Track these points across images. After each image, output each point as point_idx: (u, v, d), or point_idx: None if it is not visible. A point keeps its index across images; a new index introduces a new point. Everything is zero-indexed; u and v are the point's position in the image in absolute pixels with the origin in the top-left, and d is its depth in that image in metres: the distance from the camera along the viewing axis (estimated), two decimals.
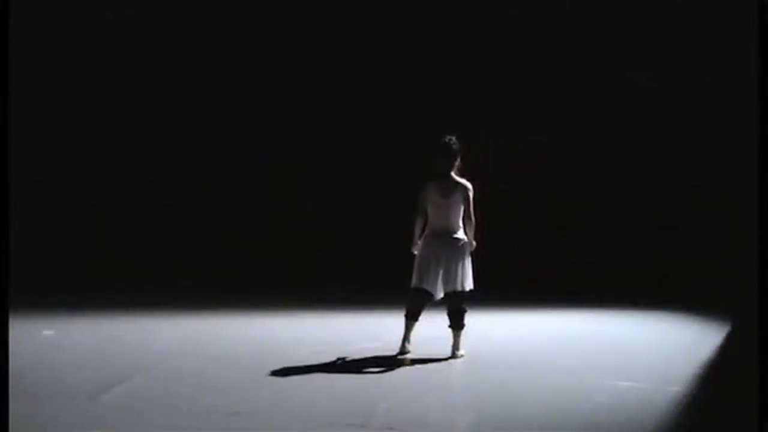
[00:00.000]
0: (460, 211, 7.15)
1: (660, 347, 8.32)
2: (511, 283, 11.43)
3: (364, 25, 13.30)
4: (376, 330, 8.43)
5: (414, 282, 7.19)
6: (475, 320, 7.29)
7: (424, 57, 13.28)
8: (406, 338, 7.24)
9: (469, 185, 7.18)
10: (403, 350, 7.21)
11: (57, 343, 7.59)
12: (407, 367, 6.91)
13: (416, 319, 7.21)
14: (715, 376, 6.88)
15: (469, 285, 7.17)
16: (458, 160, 7.22)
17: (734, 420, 5.47)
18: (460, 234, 7.14)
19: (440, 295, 7.17)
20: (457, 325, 7.18)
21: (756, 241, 5.76)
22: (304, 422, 5.28)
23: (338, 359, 7.06)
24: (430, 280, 7.13)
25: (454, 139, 7.23)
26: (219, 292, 10.85)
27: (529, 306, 10.27)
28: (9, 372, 5.06)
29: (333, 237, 13.61)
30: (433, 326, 7.40)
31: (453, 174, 7.19)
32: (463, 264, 7.12)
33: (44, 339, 7.88)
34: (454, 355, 7.15)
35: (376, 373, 6.66)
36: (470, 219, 7.17)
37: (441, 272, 7.11)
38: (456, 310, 7.16)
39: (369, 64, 13.39)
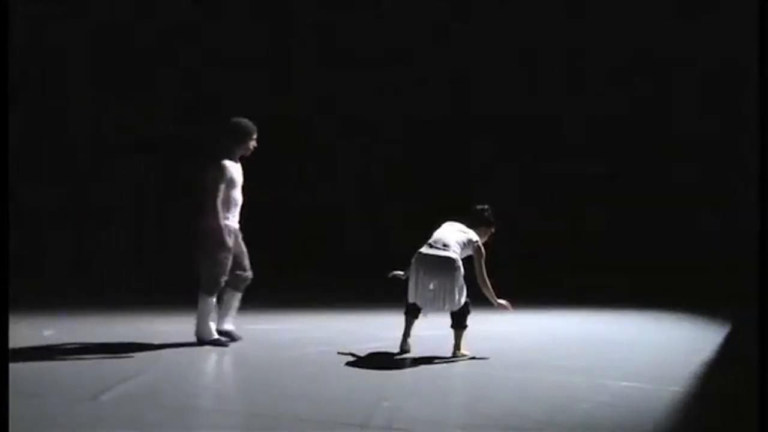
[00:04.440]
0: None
1: (660, 347, 8.32)
2: (512, 282, 11.44)
3: None
4: (376, 330, 8.43)
5: (409, 297, 7.18)
6: (476, 320, 7.28)
7: None
8: (406, 335, 7.24)
9: None
10: (403, 348, 7.21)
11: (57, 343, 7.58)
12: (408, 367, 6.91)
13: (416, 317, 7.21)
14: (715, 376, 6.88)
15: (461, 301, 7.08)
16: None
17: (734, 420, 5.46)
18: (452, 253, 7.07)
19: (430, 313, 7.16)
20: (458, 324, 7.17)
21: (756, 241, 5.76)
22: (305, 422, 5.27)
23: (339, 359, 7.04)
24: (419, 299, 7.09)
25: None
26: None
27: (529, 306, 10.25)
28: (9, 372, 5.05)
29: (333, 236, 13.62)
30: (434, 325, 7.39)
31: None
32: (454, 285, 7.01)
33: (44, 339, 7.87)
34: (455, 355, 7.15)
35: (376, 373, 6.66)
36: None
37: (433, 294, 7.03)
38: (458, 311, 7.14)
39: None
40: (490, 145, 14.17)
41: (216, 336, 7.47)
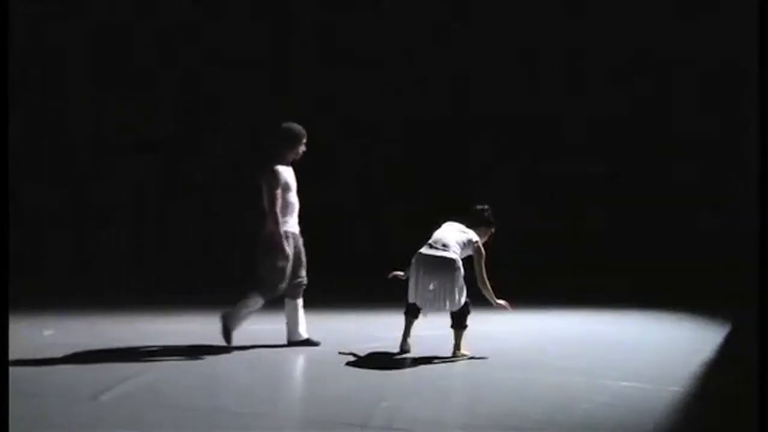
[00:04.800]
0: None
1: (660, 347, 8.32)
2: (512, 282, 11.45)
3: None
4: (376, 330, 8.43)
5: (409, 297, 7.18)
6: (476, 320, 7.28)
7: None
8: (406, 335, 7.24)
9: None
10: (403, 348, 7.21)
11: (57, 343, 7.58)
12: (408, 367, 6.91)
13: (416, 317, 7.21)
14: (715, 376, 6.88)
15: (461, 301, 7.06)
16: None
17: (734, 420, 5.46)
18: (452, 253, 7.07)
19: (430, 313, 7.15)
20: (458, 324, 7.16)
21: (756, 241, 5.76)
22: (305, 422, 5.28)
23: (339, 359, 7.04)
24: (419, 299, 7.09)
25: None
26: (219, 293, 10.84)
27: (529, 306, 10.26)
28: (9, 372, 5.05)
29: (333, 236, 13.60)
30: (434, 325, 7.40)
31: None
32: (454, 285, 7.00)
33: (44, 339, 7.87)
34: (455, 355, 7.15)
35: (376, 373, 6.65)
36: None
37: (433, 294, 7.02)
38: (458, 311, 7.13)
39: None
40: (490, 145, 14.18)
41: (233, 332, 7.42)
